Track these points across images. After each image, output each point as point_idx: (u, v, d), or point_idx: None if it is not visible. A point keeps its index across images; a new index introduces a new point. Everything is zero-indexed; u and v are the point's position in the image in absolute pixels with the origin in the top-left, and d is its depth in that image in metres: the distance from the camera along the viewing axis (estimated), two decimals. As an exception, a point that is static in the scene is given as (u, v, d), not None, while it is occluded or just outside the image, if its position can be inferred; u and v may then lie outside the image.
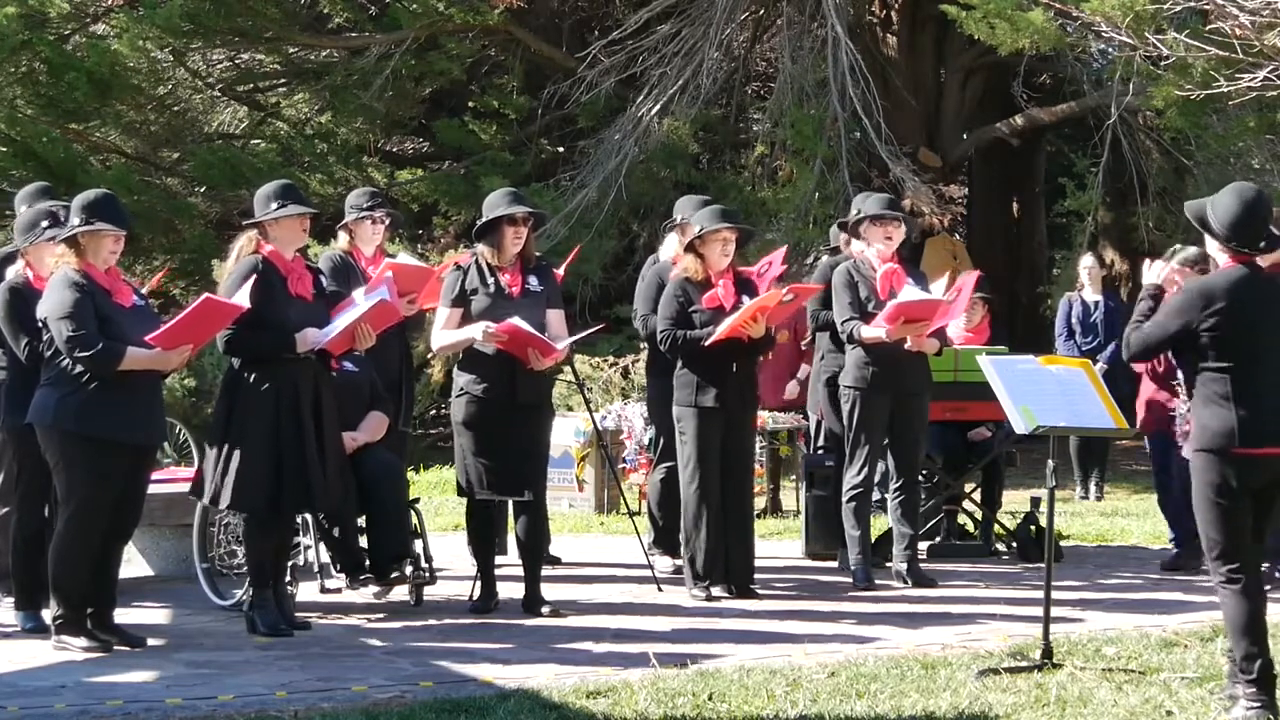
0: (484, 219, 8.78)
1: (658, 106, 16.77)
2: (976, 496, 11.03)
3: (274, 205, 8.11)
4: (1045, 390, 7.53)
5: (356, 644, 8.06)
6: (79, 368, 7.54)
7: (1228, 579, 6.43)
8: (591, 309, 15.87)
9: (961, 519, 11.22)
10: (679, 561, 9.47)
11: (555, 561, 10.22)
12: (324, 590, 8.73)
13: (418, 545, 8.90)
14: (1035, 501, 10.60)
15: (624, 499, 11.49)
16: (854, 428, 9.64)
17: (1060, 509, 10.46)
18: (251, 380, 8.03)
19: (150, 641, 7.91)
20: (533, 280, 8.79)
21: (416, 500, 9.27)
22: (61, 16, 17.33)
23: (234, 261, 8.18)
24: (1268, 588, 6.73)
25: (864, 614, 8.75)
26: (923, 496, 10.33)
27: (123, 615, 8.10)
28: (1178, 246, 9.77)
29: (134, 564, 9.88)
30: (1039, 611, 7.52)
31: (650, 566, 9.66)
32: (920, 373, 9.73)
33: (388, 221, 9.55)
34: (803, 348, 11.93)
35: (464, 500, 8.94)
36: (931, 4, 16.07)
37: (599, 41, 17.42)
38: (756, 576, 9.36)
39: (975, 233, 20.87)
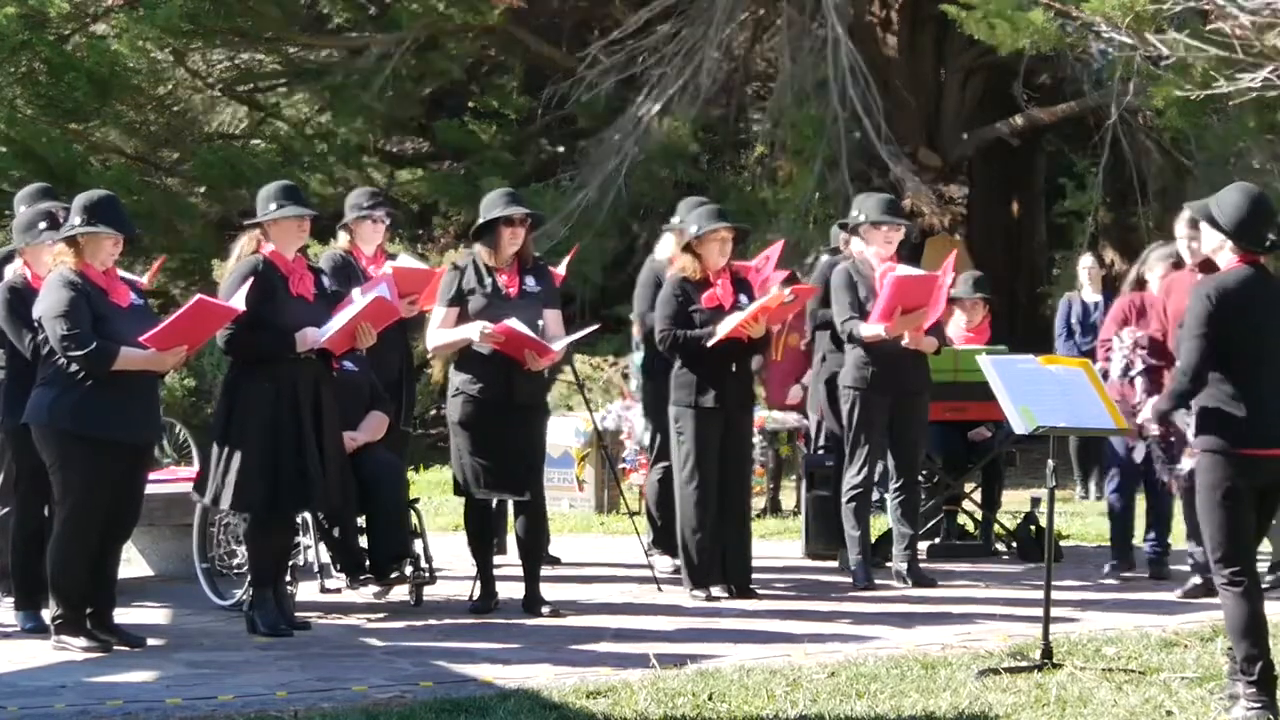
0: (481, 220, 8.78)
1: (658, 106, 16.77)
2: (976, 496, 11.02)
3: (273, 206, 8.12)
4: (1045, 390, 7.52)
5: (356, 644, 8.06)
6: (74, 367, 7.54)
7: (1230, 581, 6.41)
8: (591, 309, 15.87)
9: (961, 519, 11.20)
10: (679, 561, 9.48)
11: (555, 561, 10.21)
12: (324, 590, 8.72)
13: (418, 545, 8.90)
14: (1035, 501, 10.60)
15: (624, 499, 11.50)
16: (854, 428, 9.64)
17: (1060, 509, 10.43)
18: (252, 380, 8.02)
19: (150, 641, 7.91)
20: (530, 281, 8.79)
21: (416, 500, 9.27)
22: (61, 16, 17.32)
23: (235, 261, 8.19)
24: (1266, 588, 6.73)
25: (864, 614, 8.74)
26: (923, 496, 10.32)
27: (123, 615, 8.10)
28: (1155, 245, 9.82)
29: (134, 564, 9.88)
30: (1039, 611, 7.52)
31: (650, 566, 9.66)
32: (920, 373, 9.73)
33: (388, 221, 9.56)
34: (802, 348, 11.91)
35: (463, 500, 8.94)
36: (931, 4, 16.07)
37: (599, 41, 17.43)
38: (756, 576, 9.36)
39: (975, 233, 20.83)
